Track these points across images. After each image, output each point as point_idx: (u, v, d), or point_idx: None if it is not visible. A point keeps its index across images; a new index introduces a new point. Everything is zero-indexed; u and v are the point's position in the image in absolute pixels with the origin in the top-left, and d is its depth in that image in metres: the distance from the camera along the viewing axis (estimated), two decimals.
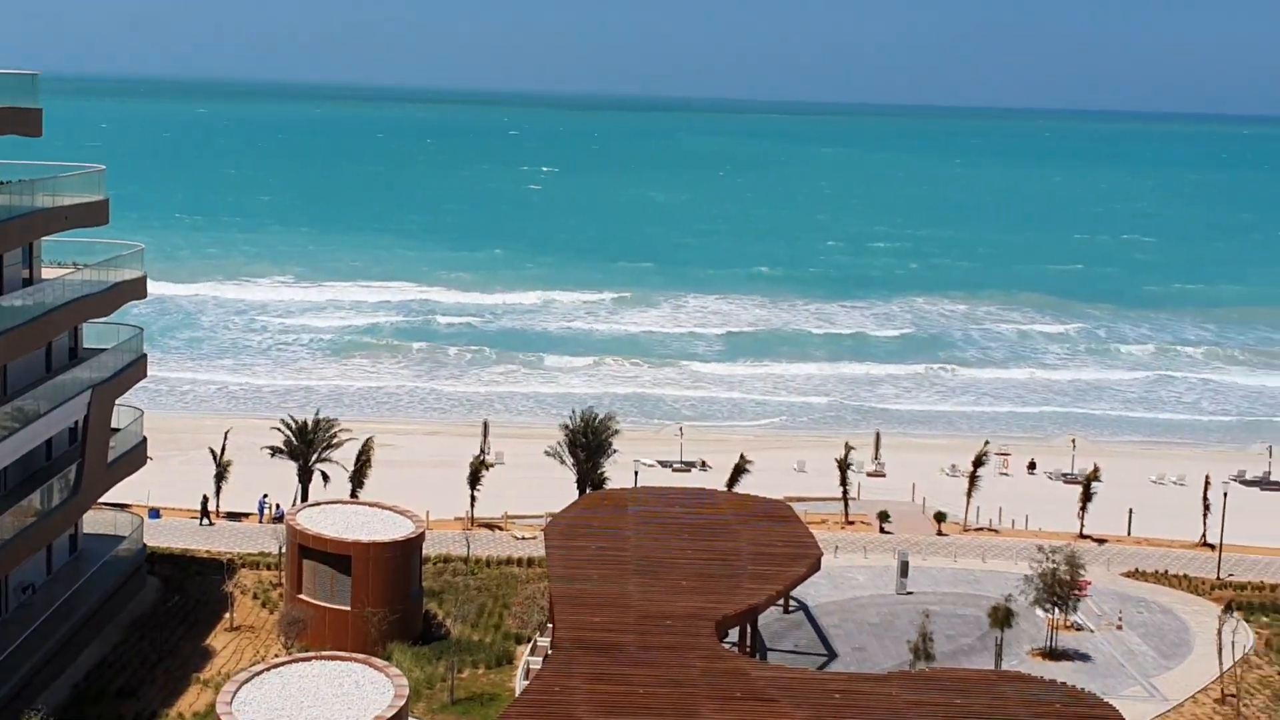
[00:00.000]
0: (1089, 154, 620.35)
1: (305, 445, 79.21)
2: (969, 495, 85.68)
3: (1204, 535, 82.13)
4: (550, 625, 56.08)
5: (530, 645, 59.94)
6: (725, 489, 78.79)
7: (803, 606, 67.79)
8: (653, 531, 62.44)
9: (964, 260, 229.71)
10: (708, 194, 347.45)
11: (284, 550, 64.34)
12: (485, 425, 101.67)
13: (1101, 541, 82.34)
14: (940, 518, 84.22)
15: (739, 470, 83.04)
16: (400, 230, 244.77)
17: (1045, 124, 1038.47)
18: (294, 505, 73.40)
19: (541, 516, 77.09)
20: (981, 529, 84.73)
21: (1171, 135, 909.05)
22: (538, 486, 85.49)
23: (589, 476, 79.61)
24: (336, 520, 62.71)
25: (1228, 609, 63.79)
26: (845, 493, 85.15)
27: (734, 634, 57.38)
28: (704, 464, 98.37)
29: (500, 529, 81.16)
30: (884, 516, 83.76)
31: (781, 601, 65.15)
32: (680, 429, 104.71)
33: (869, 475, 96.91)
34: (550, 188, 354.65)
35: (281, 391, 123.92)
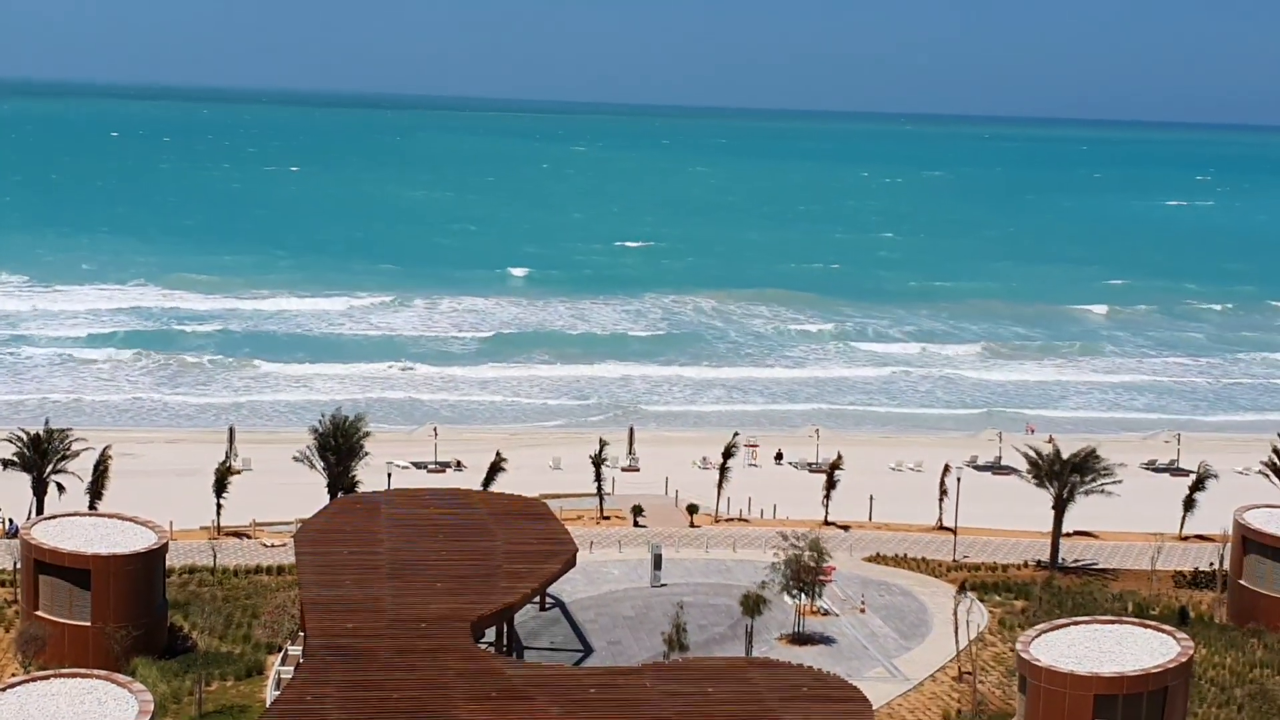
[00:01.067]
0: (839, 154, 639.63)
1: (39, 457, 75.94)
2: (720, 487, 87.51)
3: (940, 519, 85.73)
4: (302, 633, 55.10)
5: (281, 654, 58.76)
6: (481, 489, 78.63)
7: (559, 603, 68.18)
8: (406, 534, 61.95)
9: (715, 258, 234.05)
10: (461, 192, 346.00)
11: (18, 566, 61.58)
12: (231, 431, 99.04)
13: (846, 528, 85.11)
14: (692, 510, 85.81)
15: (494, 469, 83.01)
16: (139, 233, 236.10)
17: (797, 124, 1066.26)
18: (29, 519, 70.25)
19: (291, 523, 75.63)
20: (732, 519, 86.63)
21: (916, 136, 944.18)
22: (287, 492, 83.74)
23: (340, 480, 78.38)
24: (74, 533, 60.34)
25: (962, 589, 66.71)
26: (600, 488, 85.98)
27: (491, 633, 57.36)
28: (459, 464, 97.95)
29: (248, 537, 79.30)
30: (638, 511, 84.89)
31: (538, 599, 65.39)
32: (435, 430, 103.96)
33: (623, 470, 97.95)
34: (298, 187, 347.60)
35: (13, 403, 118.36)
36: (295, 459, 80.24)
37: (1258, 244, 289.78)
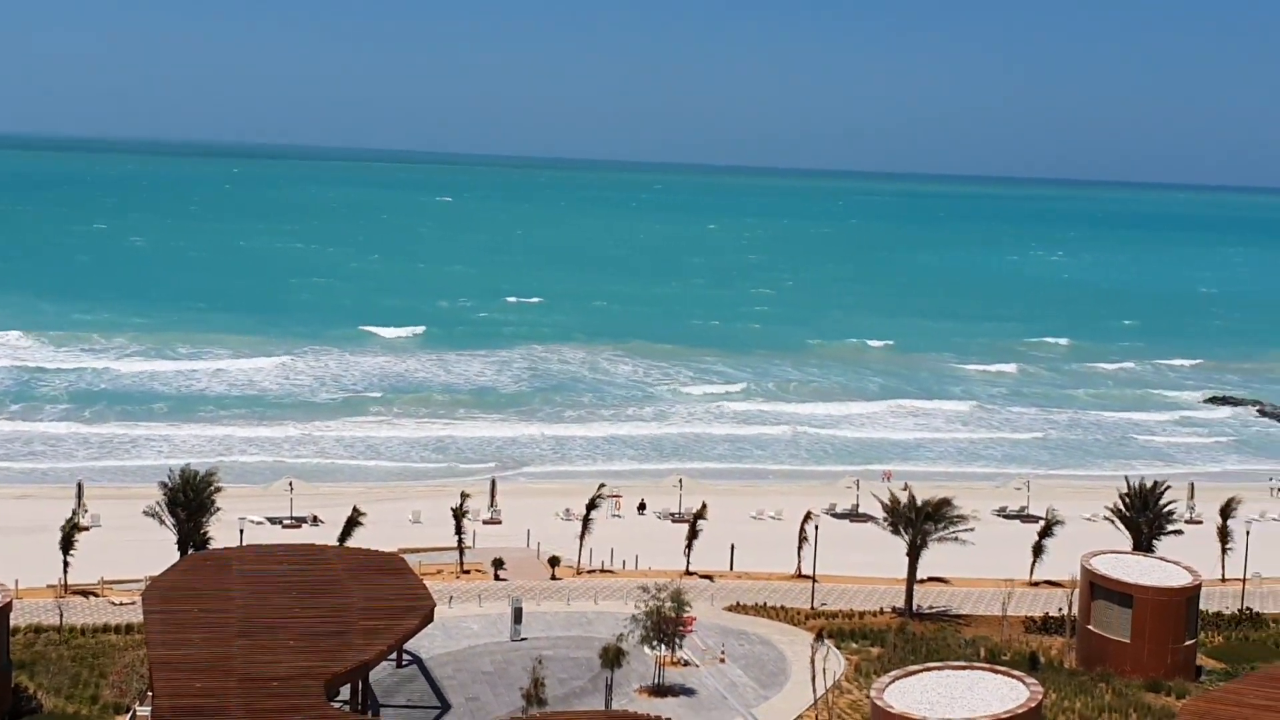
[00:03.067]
0: (698, 206, 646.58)
1: None
2: (582, 538, 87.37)
3: (799, 567, 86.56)
4: (150, 694, 53.70)
5: (130, 716, 57.23)
6: (337, 544, 77.52)
7: (416, 659, 67.35)
8: (259, 591, 60.81)
9: (582, 311, 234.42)
10: (321, 244, 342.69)
11: None
12: (79, 486, 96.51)
13: (708, 577, 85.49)
14: (554, 562, 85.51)
15: (351, 524, 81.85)
16: None
17: (673, 178, 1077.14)
18: None
19: (140, 580, 73.75)
20: (595, 571, 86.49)
21: (776, 189, 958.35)
22: (137, 549, 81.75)
23: (191, 537, 76.69)
24: None
25: (820, 637, 67.35)
26: (460, 542, 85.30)
27: (346, 692, 56.45)
28: (316, 519, 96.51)
29: (96, 595, 77.17)
30: (499, 564, 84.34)
31: (395, 655, 64.56)
32: (290, 484, 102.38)
33: (485, 523, 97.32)
34: (153, 240, 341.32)
35: None
36: (146, 514, 78.36)
37: (1110, 299, 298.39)
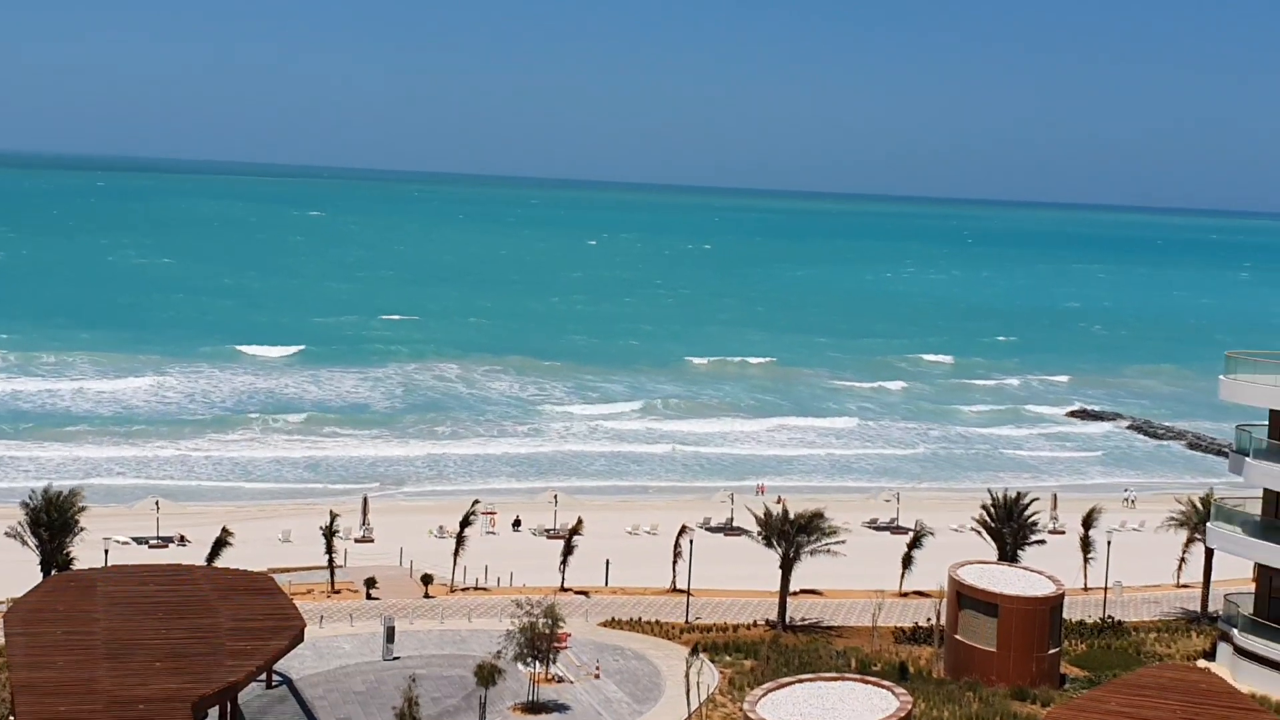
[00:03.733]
0: (576, 222, 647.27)
1: None
2: (456, 555, 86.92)
3: (674, 581, 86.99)
4: (12, 718, 52.31)
5: None
6: (205, 564, 76.21)
7: (286, 680, 66.43)
8: (123, 612, 59.50)
9: (458, 326, 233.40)
10: (190, 260, 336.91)
11: None
12: None
13: (583, 593, 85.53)
14: (427, 580, 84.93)
15: (220, 544, 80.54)
16: None
17: (554, 193, 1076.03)
18: None
19: (2, 602, 71.81)
20: (469, 589, 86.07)
21: (655, 205, 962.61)
22: None
23: (54, 558, 74.85)
24: None
25: (694, 651, 67.71)
26: (331, 561, 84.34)
27: (215, 714, 55.49)
28: (183, 539, 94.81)
29: None
30: (371, 582, 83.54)
31: (264, 676, 63.61)
32: (157, 503, 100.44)
33: (357, 542, 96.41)
34: (13, 253, 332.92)
35: None
36: (7, 534, 76.38)
37: (981, 315, 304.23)
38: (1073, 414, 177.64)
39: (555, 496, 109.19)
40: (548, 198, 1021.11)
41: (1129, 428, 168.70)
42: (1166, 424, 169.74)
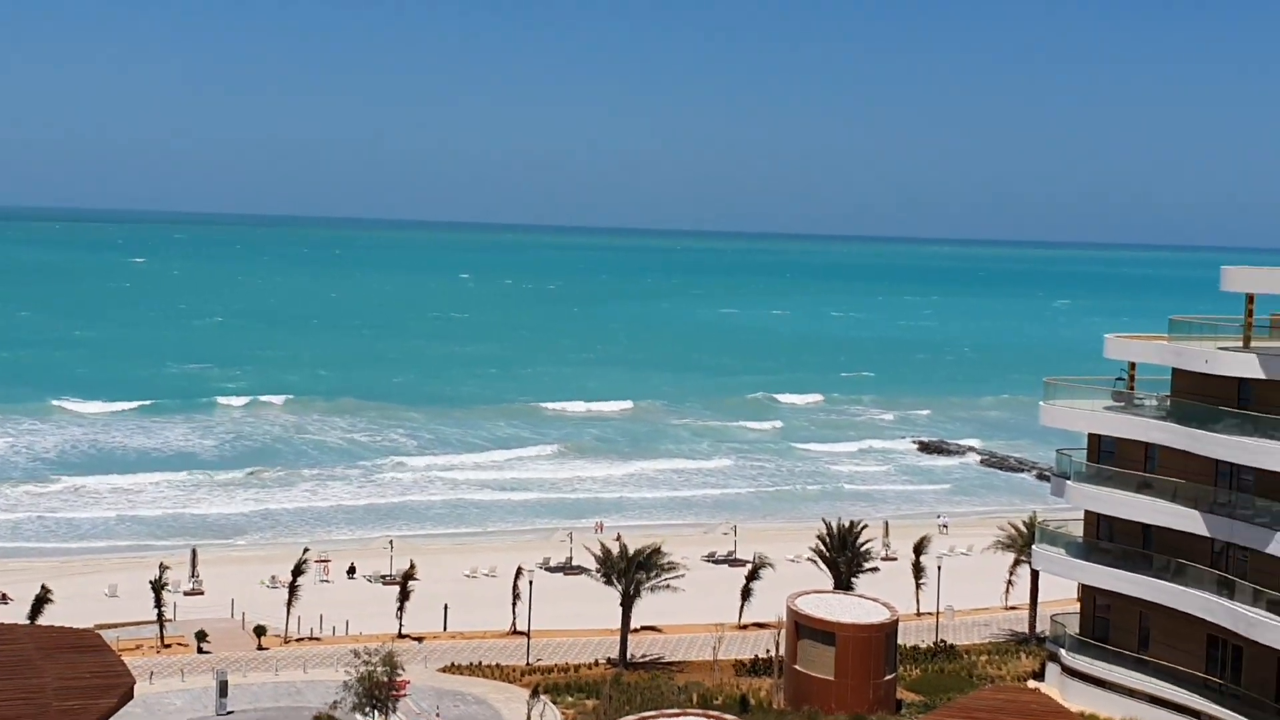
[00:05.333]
0: (413, 263, 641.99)
1: None
2: (289, 605, 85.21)
3: (514, 623, 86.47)
4: None
5: None
6: (27, 622, 73.44)
7: None
8: None
9: (292, 371, 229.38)
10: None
11: None
12: None
13: (420, 639, 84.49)
14: (260, 631, 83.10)
15: (41, 601, 77.83)
16: None
17: (365, 234, 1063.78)
18: None
19: None
20: (304, 639, 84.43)
21: (493, 245, 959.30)
22: None
23: None
24: None
25: (535, 693, 67.36)
26: (160, 614, 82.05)
27: None
28: (4, 597, 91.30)
29: None
30: (202, 636, 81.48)
31: None
32: None
33: (186, 594, 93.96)
34: None
35: None
36: None
37: (819, 346, 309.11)
38: (918, 444, 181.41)
39: (391, 542, 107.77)
40: (377, 239, 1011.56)
41: (966, 455, 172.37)
42: (1005, 452, 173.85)
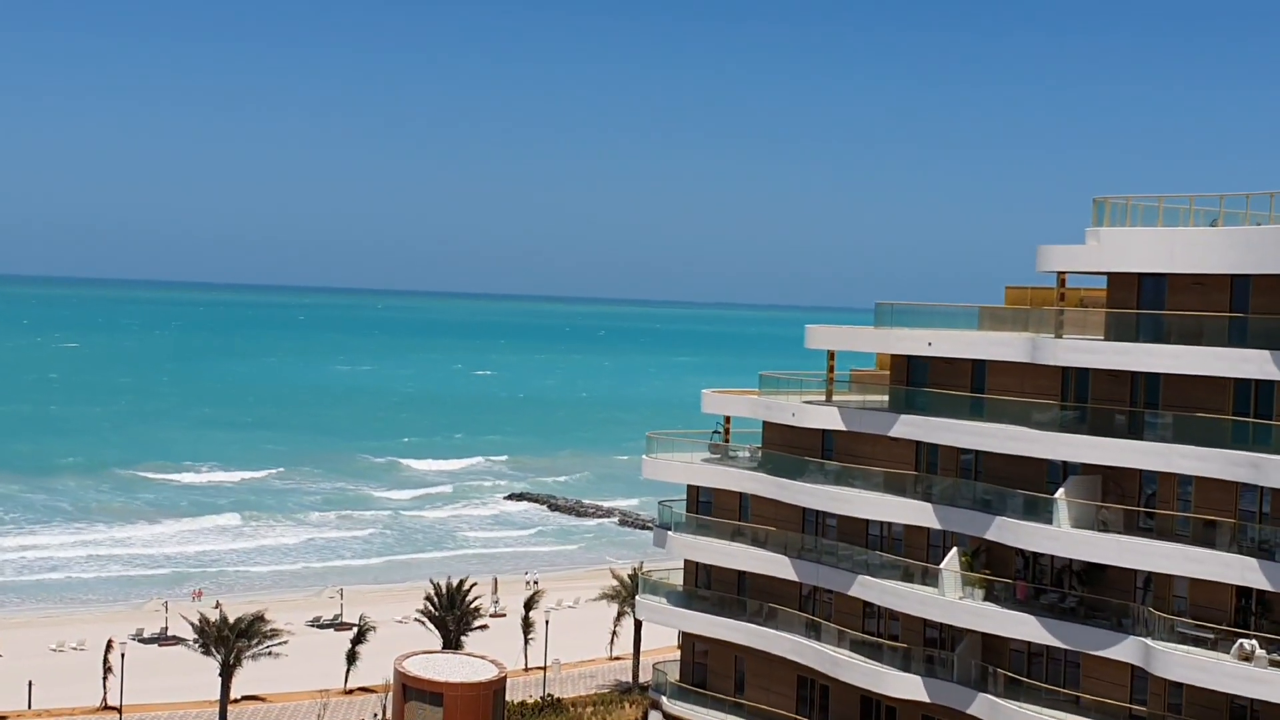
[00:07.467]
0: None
1: None
2: None
3: (104, 698, 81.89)
4: None
5: None
6: None
7: None
8: None
9: None
10: None
11: None
12: None
13: (3, 719, 78.91)
14: None
15: None
16: None
17: None
18: None
19: None
20: None
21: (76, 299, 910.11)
22: None
23: None
24: None
25: None
26: None
27: None
28: None
29: None
30: None
31: None
32: None
33: None
34: None
35: None
36: None
37: (411, 404, 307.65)
38: (510, 496, 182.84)
39: None
40: None
41: (555, 508, 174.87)
42: (597, 503, 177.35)
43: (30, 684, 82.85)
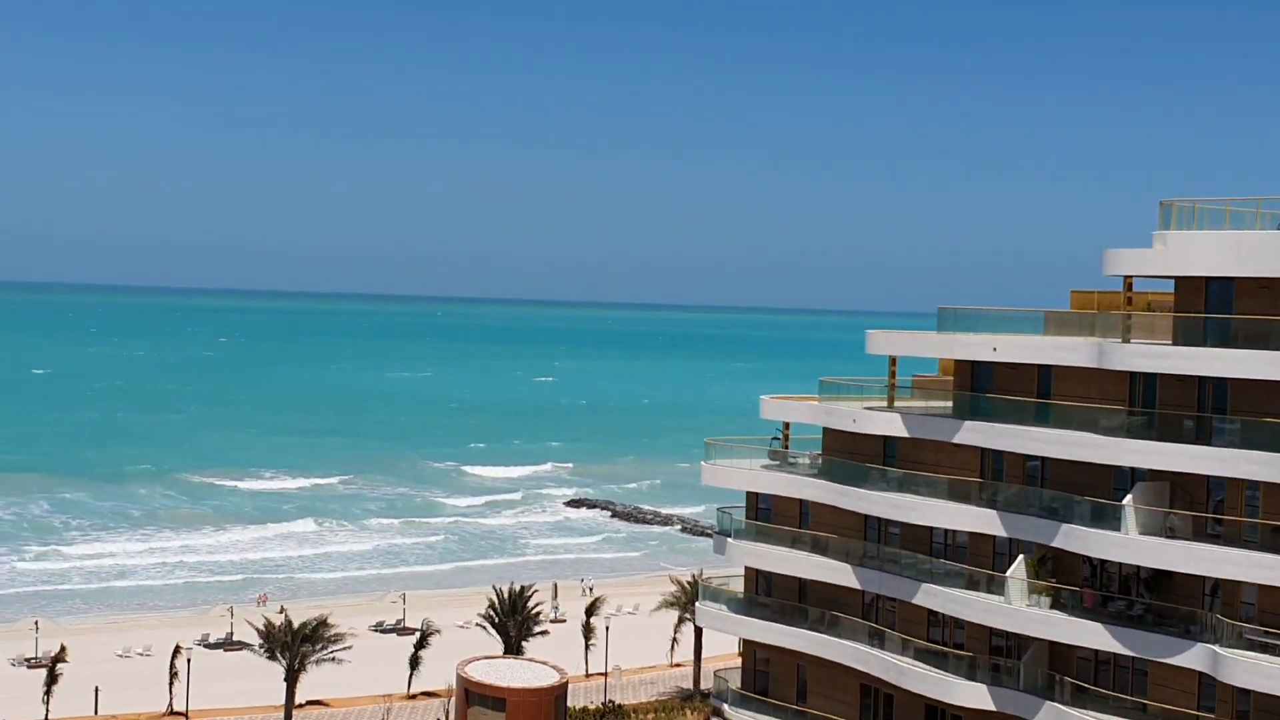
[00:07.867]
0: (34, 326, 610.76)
1: None
2: None
3: (170, 704, 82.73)
4: None
5: None
6: None
7: None
8: None
9: None
10: None
11: None
12: None
13: None
14: None
15: None
16: None
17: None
18: None
19: None
20: None
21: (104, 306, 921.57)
22: None
23: None
24: None
25: None
26: None
27: None
28: None
29: None
30: None
31: None
32: None
33: None
34: None
35: None
36: None
37: (474, 411, 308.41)
38: (569, 503, 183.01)
39: (36, 623, 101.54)
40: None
41: (616, 515, 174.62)
42: (658, 509, 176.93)
43: (97, 690, 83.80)
